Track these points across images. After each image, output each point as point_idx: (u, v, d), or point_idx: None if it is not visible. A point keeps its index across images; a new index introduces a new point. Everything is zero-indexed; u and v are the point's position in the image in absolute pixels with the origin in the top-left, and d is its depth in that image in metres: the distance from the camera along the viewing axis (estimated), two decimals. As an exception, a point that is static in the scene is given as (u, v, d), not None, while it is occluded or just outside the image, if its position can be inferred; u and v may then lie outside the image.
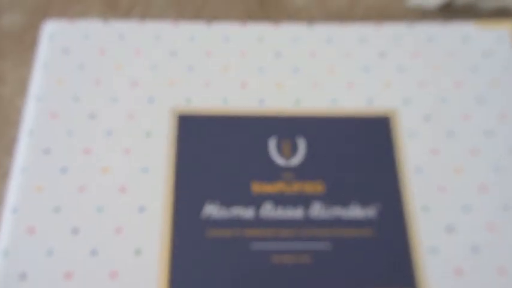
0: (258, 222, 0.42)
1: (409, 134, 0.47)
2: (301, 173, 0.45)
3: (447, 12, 0.60)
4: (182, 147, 0.45)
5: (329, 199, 0.43)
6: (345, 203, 0.43)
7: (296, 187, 0.44)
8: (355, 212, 0.43)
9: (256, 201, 0.43)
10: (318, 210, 0.43)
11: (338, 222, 0.42)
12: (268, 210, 0.43)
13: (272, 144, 0.46)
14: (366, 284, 0.40)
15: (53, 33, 0.50)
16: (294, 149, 0.46)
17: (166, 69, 0.49)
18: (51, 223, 0.41)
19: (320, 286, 0.40)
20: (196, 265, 0.40)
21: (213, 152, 0.45)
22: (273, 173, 0.44)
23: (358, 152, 0.46)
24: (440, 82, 0.49)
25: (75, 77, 0.48)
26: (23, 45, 0.57)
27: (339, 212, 0.43)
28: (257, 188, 0.44)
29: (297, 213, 0.43)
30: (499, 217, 0.43)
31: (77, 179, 0.43)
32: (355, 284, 0.40)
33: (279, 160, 0.45)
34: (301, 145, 0.46)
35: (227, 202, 0.43)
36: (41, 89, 0.47)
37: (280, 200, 0.43)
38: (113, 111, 0.47)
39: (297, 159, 0.45)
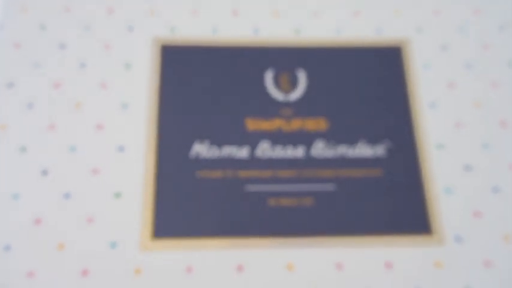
0: (253, 162, 0.38)
1: (423, 65, 0.42)
2: (301, 108, 0.40)
3: None
4: (166, 80, 0.40)
5: (333, 137, 0.39)
6: (350, 140, 0.39)
7: (296, 124, 0.39)
8: (362, 150, 0.39)
9: (251, 140, 0.39)
10: (320, 148, 0.39)
11: (343, 161, 0.38)
12: (265, 150, 0.38)
13: (269, 77, 0.41)
14: (374, 229, 0.36)
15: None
16: (293, 82, 0.41)
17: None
18: (19, 164, 0.37)
19: (323, 231, 0.36)
20: (184, 209, 0.36)
21: (202, 86, 0.40)
22: (270, 108, 0.40)
23: (366, 86, 0.41)
24: (457, 9, 0.44)
25: (41, 1, 0.43)
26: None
27: (344, 150, 0.39)
28: (252, 125, 0.39)
29: (297, 152, 0.38)
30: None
31: (46, 116, 0.38)
32: (362, 229, 0.36)
33: (277, 94, 0.41)
34: (301, 78, 0.41)
35: (218, 141, 0.38)
36: (4, 16, 0.42)
37: (278, 138, 0.39)
38: (86, 40, 0.41)
39: (296, 94, 0.41)
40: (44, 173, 0.37)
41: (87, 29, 0.42)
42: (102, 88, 0.40)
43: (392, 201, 0.37)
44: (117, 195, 0.36)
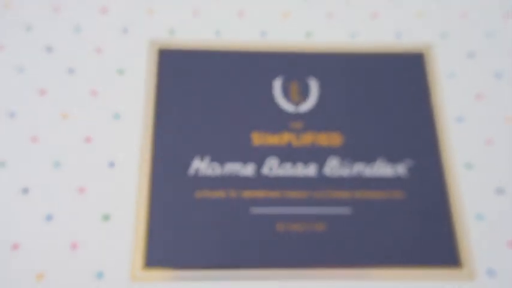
0: (260, 181, 0.34)
1: (448, 74, 0.38)
2: (313, 121, 0.36)
3: None
4: (163, 88, 0.36)
5: (348, 153, 0.35)
6: (368, 158, 0.35)
7: (307, 139, 0.36)
8: (382, 169, 0.35)
9: (258, 156, 0.35)
10: (334, 167, 0.35)
11: (360, 182, 0.34)
12: (272, 167, 0.35)
13: (277, 85, 0.37)
14: (395, 261, 0.32)
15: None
16: (304, 92, 0.37)
17: (144, -8, 0.40)
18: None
19: (336, 262, 0.32)
20: (180, 235, 0.32)
21: (203, 95, 0.36)
22: (279, 121, 0.36)
23: (385, 97, 0.37)
24: (486, 12, 0.40)
25: (27, 0, 0.39)
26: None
27: (361, 169, 0.35)
28: (258, 139, 0.35)
29: (308, 171, 0.35)
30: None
31: (28, 128, 0.35)
32: (381, 260, 0.32)
33: (286, 105, 0.37)
34: (313, 87, 0.37)
35: (220, 157, 0.34)
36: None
37: (287, 154, 0.35)
38: (76, 43, 0.38)
39: (307, 105, 0.37)
40: (25, 191, 0.33)
41: (77, 30, 0.38)
42: (92, 96, 0.36)
43: (415, 229, 0.33)
44: (106, 217, 0.32)
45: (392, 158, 0.35)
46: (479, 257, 0.32)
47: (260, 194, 0.34)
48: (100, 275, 0.31)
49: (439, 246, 0.33)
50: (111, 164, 0.34)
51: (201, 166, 0.34)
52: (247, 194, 0.34)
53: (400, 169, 0.35)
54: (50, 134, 0.35)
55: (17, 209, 0.32)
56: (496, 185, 0.34)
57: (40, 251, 0.31)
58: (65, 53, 0.37)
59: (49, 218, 0.32)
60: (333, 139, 0.36)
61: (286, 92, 0.37)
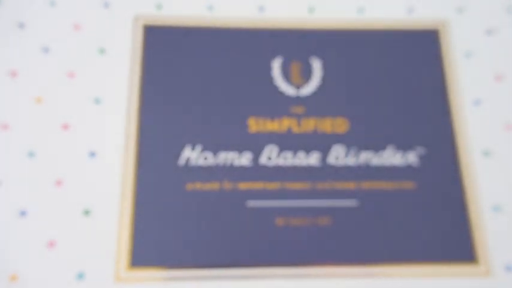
0: (257, 172, 0.32)
1: (465, 53, 0.35)
2: (316, 105, 0.33)
3: None
4: (149, 69, 0.33)
5: (354, 141, 0.33)
6: (376, 146, 0.33)
7: (309, 125, 0.33)
8: (391, 158, 0.32)
9: (255, 144, 0.32)
10: (339, 155, 0.32)
11: (367, 171, 0.32)
12: (271, 156, 0.32)
13: (276, 66, 0.34)
14: (406, 257, 0.30)
15: None
16: (306, 74, 0.34)
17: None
18: None
19: (342, 259, 0.30)
20: (169, 231, 0.30)
21: (193, 77, 0.34)
22: (278, 105, 0.33)
23: (395, 78, 0.34)
24: (506, -15, 0.38)
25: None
26: None
27: (368, 158, 0.32)
28: (255, 125, 0.33)
29: (310, 160, 0.32)
30: None
31: (1, 112, 0.32)
32: (391, 256, 0.30)
33: (286, 88, 0.34)
34: (316, 68, 0.35)
35: (213, 145, 0.32)
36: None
37: (287, 142, 0.32)
38: (51, 19, 0.34)
39: (310, 87, 0.34)
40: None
41: (52, 4, 0.35)
42: (70, 78, 0.33)
43: (427, 222, 0.31)
44: (86, 212, 0.30)
45: (403, 146, 0.33)
46: (497, 252, 0.31)
47: (258, 185, 0.31)
48: (81, 276, 0.29)
49: (454, 241, 0.31)
50: (92, 154, 0.31)
51: (192, 155, 0.32)
52: (244, 185, 0.31)
53: (411, 158, 0.32)
54: (23, 120, 0.32)
55: (-13, 204, 0.30)
56: (516, 174, 0.32)
57: (13, 250, 0.29)
58: (39, 30, 0.34)
59: (23, 213, 0.30)
60: (338, 125, 0.33)
61: (286, 74, 0.34)
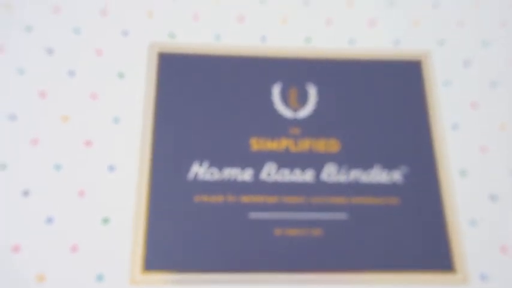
0: (258, 186, 0.35)
1: (444, 81, 0.40)
2: (311, 127, 0.37)
3: None
4: (163, 92, 0.37)
5: (345, 160, 0.36)
6: (365, 164, 0.36)
7: (305, 145, 0.37)
8: (378, 175, 0.36)
9: (256, 161, 0.36)
10: (331, 173, 0.36)
11: (356, 187, 0.36)
12: (270, 173, 0.36)
13: (276, 91, 0.39)
14: (390, 266, 0.34)
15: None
16: (302, 98, 0.38)
17: (144, -4, 0.41)
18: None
19: (332, 266, 0.34)
20: (179, 238, 0.33)
21: (202, 99, 0.38)
22: (277, 127, 0.37)
23: (382, 103, 0.38)
24: (482, 20, 0.42)
25: (28, 2, 0.40)
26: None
27: (357, 175, 0.36)
28: (257, 144, 0.37)
29: (305, 176, 0.36)
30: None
31: (30, 130, 0.36)
32: (377, 264, 0.34)
33: (285, 111, 0.38)
34: (312, 93, 0.39)
35: (219, 162, 0.36)
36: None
37: (285, 160, 0.36)
38: (75, 46, 0.38)
39: (306, 111, 0.38)
40: (25, 193, 0.34)
41: (77, 32, 0.39)
42: (92, 100, 0.37)
43: (410, 234, 0.35)
44: (105, 221, 0.34)
45: (389, 165, 0.37)
46: (473, 262, 0.34)
47: (258, 199, 0.35)
48: (100, 278, 0.32)
49: (434, 251, 0.34)
50: (111, 168, 0.35)
51: (200, 171, 0.35)
52: (246, 199, 0.35)
53: (396, 176, 0.36)
54: (50, 136, 0.36)
55: (17, 212, 0.33)
56: (489, 191, 0.36)
57: (41, 253, 0.33)
58: (66, 55, 0.38)
59: (49, 220, 0.33)
60: (331, 145, 0.37)
61: (284, 98, 0.38)
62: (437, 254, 0.34)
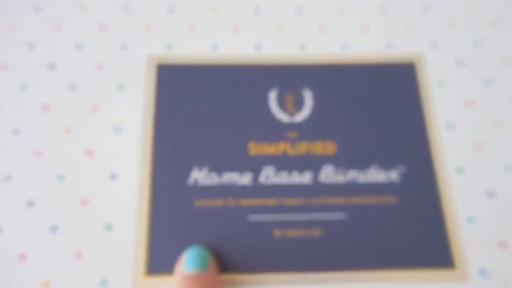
0: (257, 190, 0.36)
1: (438, 82, 0.41)
2: (307, 130, 0.39)
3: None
4: (162, 102, 0.39)
5: (342, 161, 0.37)
6: (362, 165, 0.37)
7: (302, 148, 0.38)
8: (375, 175, 0.37)
9: (254, 165, 0.37)
10: (329, 174, 0.37)
11: (354, 188, 0.37)
12: (269, 176, 0.37)
13: (273, 97, 0.40)
14: (389, 264, 0.34)
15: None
16: (298, 103, 0.40)
17: (142, 9, 0.43)
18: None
19: (332, 264, 0.35)
20: (180, 242, 0.34)
21: (200, 107, 0.39)
22: (274, 131, 0.38)
23: (377, 105, 0.40)
24: (474, 22, 0.43)
25: (30, 19, 0.42)
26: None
27: (355, 176, 0.37)
28: (255, 149, 0.38)
29: (303, 178, 0.37)
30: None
31: (32, 142, 0.37)
32: (376, 263, 0.34)
33: (281, 116, 0.39)
34: (307, 98, 0.40)
35: (218, 167, 0.37)
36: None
37: (283, 163, 0.37)
38: (76, 59, 0.40)
39: (302, 115, 0.39)
40: (30, 204, 0.35)
41: (78, 47, 0.41)
42: (93, 111, 0.38)
43: (408, 232, 0.35)
44: (109, 227, 0.35)
45: (385, 165, 0.37)
46: (472, 258, 0.35)
47: (257, 202, 0.36)
48: (104, 283, 0.33)
49: (433, 249, 0.35)
50: (113, 176, 0.36)
51: (200, 176, 0.37)
52: (245, 202, 0.36)
53: (393, 175, 0.37)
54: (53, 148, 0.37)
55: (23, 221, 0.35)
56: (486, 188, 0.37)
57: (46, 261, 0.34)
58: (67, 70, 0.40)
59: (54, 229, 0.35)
60: (328, 147, 0.38)
61: (281, 103, 0.40)
62: (436, 251, 0.35)
